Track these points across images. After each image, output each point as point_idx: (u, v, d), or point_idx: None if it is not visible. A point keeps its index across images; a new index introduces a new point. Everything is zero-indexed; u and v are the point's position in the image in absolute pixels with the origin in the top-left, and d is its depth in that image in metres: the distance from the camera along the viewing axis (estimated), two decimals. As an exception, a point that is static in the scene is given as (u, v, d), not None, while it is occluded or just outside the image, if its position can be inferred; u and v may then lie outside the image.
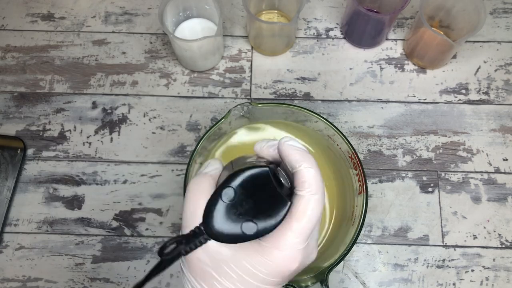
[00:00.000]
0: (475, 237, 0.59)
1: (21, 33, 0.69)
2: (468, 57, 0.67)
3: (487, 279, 0.57)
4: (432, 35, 0.60)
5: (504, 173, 0.62)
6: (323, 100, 0.65)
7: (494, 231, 0.59)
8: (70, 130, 0.64)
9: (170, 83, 0.66)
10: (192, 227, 0.30)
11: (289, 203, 0.29)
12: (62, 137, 0.63)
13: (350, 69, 0.67)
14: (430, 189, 0.61)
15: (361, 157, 0.62)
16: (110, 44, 0.68)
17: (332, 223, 0.53)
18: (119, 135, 0.63)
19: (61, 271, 0.58)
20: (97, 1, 0.71)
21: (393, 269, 0.58)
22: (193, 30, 0.66)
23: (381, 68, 0.67)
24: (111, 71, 0.67)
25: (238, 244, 0.30)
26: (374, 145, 0.63)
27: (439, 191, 0.61)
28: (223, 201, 0.29)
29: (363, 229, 0.57)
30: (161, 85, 0.66)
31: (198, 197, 0.30)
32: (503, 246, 0.59)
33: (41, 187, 0.61)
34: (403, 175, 0.61)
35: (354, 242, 0.46)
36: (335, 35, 0.69)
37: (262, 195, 0.29)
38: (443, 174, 0.61)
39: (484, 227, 0.59)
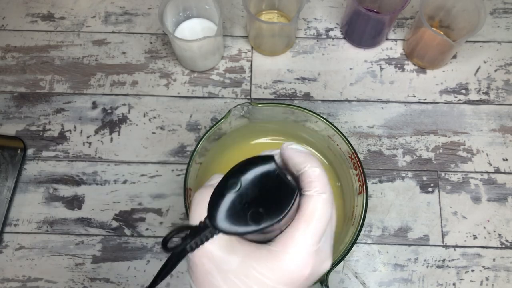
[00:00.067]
0: (475, 237, 0.59)
1: (21, 33, 0.69)
2: (468, 57, 0.67)
3: (487, 279, 0.57)
4: (432, 35, 0.60)
5: (504, 173, 0.62)
6: (323, 100, 0.65)
7: (494, 231, 0.59)
8: (70, 130, 0.64)
9: (170, 83, 0.66)
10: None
11: (296, 190, 0.28)
12: (62, 137, 0.63)
13: (350, 69, 0.67)
14: (430, 189, 0.61)
15: (361, 157, 0.62)
16: (110, 44, 0.68)
17: (332, 223, 0.53)
18: (119, 135, 0.63)
19: (61, 271, 0.58)
20: (97, 1, 0.71)
21: (393, 269, 0.58)
22: (193, 30, 0.66)
23: (381, 68, 0.67)
24: (111, 71, 0.67)
25: (246, 251, 0.28)
26: (374, 145, 0.63)
27: (439, 191, 0.61)
28: (228, 192, 0.27)
29: (363, 229, 0.57)
30: (161, 85, 0.66)
31: (203, 207, 0.28)
32: (503, 246, 0.59)
33: (41, 187, 0.61)
34: (403, 175, 0.61)
35: (354, 242, 0.46)
36: (335, 35, 0.69)
37: (268, 184, 0.28)
38: (443, 174, 0.61)
39: (484, 227, 0.59)
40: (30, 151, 0.63)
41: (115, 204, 0.60)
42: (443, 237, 0.59)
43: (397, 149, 0.63)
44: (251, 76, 0.66)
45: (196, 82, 0.66)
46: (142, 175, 0.62)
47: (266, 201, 0.27)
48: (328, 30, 0.69)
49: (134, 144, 0.63)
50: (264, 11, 0.68)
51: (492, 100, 0.65)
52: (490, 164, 0.62)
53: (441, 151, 0.63)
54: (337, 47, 0.68)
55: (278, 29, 0.63)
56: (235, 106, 0.50)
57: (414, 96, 0.65)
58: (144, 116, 0.64)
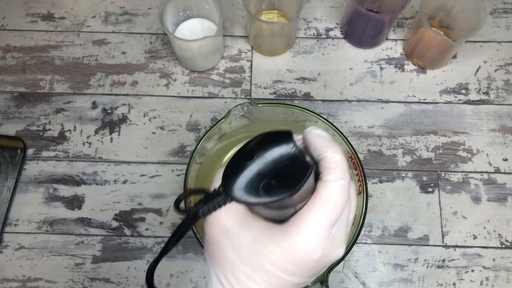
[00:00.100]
0: (475, 237, 0.59)
1: (21, 33, 0.69)
2: (468, 57, 0.67)
3: (487, 279, 0.57)
4: (432, 35, 0.60)
5: (504, 173, 0.62)
6: (323, 100, 0.65)
7: (494, 231, 0.59)
8: (70, 130, 0.64)
9: (170, 83, 0.66)
10: None
11: (311, 166, 0.28)
12: (62, 137, 0.63)
13: (350, 69, 0.67)
14: (430, 189, 0.61)
15: (361, 157, 0.62)
16: (110, 44, 0.68)
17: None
18: (119, 135, 0.63)
19: (61, 271, 0.58)
20: (97, 1, 0.71)
21: (393, 269, 0.58)
22: (193, 30, 0.66)
23: (381, 68, 0.67)
24: (111, 71, 0.67)
25: (260, 228, 0.29)
26: (374, 145, 0.63)
27: (439, 191, 0.61)
28: (243, 162, 0.28)
29: (363, 229, 0.57)
30: (161, 85, 0.66)
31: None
32: (503, 246, 0.59)
33: (41, 187, 0.61)
34: (403, 175, 0.61)
35: (354, 242, 0.46)
36: (335, 35, 0.69)
37: (283, 158, 0.28)
38: (443, 174, 0.61)
39: (484, 227, 0.59)
40: (30, 151, 0.63)
41: (115, 204, 0.60)
42: (443, 237, 0.59)
43: (397, 149, 0.63)
44: (251, 76, 0.66)
45: (196, 82, 0.66)
46: (142, 175, 0.62)
47: (280, 175, 0.27)
48: (328, 30, 0.69)
49: (134, 144, 0.63)
50: (264, 11, 0.68)
51: (492, 100, 0.65)
52: (490, 164, 0.62)
53: (441, 151, 0.63)
54: (337, 47, 0.68)
55: (278, 29, 0.63)
56: (235, 106, 0.50)
57: (414, 96, 0.65)
58: (144, 116, 0.64)
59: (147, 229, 0.59)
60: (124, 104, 0.65)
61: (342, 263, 0.56)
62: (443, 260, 0.58)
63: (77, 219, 0.60)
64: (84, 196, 0.61)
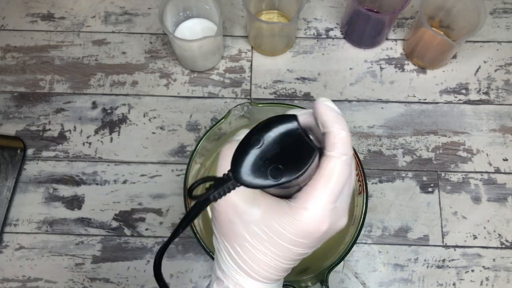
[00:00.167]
0: (475, 237, 0.59)
1: (21, 33, 0.69)
2: (468, 57, 0.67)
3: (487, 279, 0.57)
4: (432, 35, 0.60)
5: (504, 173, 0.62)
6: (323, 100, 0.65)
7: (494, 231, 0.59)
8: (70, 130, 0.64)
9: (170, 83, 0.66)
10: None
11: (316, 150, 0.29)
12: (62, 137, 0.63)
13: (350, 69, 0.67)
14: (430, 189, 0.61)
15: (361, 157, 0.62)
16: (110, 44, 0.68)
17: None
18: (119, 135, 0.63)
19: (61, 271, 0.58)
20: (97, 1, 0.71)
21: (393, 269, 0.58)
22: (193, 30, 0.66)
23: (381, 68, 0.67)
24: (111, 71, 0.67)
25: (267, 204, 0.30)
26: (374, 145, 0.63)
27: (439, 191, 0.61)
28: (250, 148, 0.29)
29: (363, 229, 0.57)
30: (161, 85, 0.66)
31: (228, 161, 0.30)
32: (503, 246, 0.59)
33: (41, 187, 0.61)
34: (403, 175, 0.61)
35: (354, 242, 0.46)
36: (335, 35, 0.69)
37: (289, 142, 0.29)
38: (443, 174, 0.61)
39: (484, 227, 0.59)
40: (30, 151, 0.63)
41: (115, 204, 0.60)
42: (443, 237, 0.59)
43: (397, 149, 0.63)
44: (251, 76, 0.66)
45: (196, 82, 0.66)
46: (142, 175, 0.62)
47: (286, 159, 0.29)
48: (328, 30, 0.69)
49: (134, 144, 0.63)
50: (264, 11, 0.68)
51: (492, 100, 0.65)
52: (490, 164, 0.62)
53: (441, 151, 0.63)
54: (337, 47, 0.68)
55: (278, 29, 0.63)
56: (235, 106, 0.50)
57: (414, 96, 0.65)
58: (144, 116, 0.64)
59: (147, 229, 0.59)
60: (124, 104, 0.65)
61: (342, 263, 0.56)
62: (443, 260, 0.58)
63: (77, 219, 0.60)
64: (84, 196, 0.61)
